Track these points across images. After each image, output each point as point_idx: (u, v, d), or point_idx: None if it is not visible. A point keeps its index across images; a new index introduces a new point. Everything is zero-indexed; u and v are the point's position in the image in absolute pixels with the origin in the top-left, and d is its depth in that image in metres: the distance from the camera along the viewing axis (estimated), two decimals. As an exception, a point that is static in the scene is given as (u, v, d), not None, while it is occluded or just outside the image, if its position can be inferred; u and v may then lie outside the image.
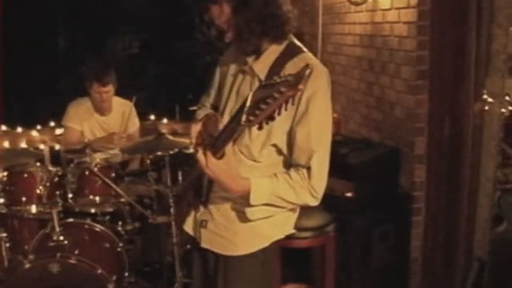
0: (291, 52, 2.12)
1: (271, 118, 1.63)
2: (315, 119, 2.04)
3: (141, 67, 10.77)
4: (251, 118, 1.63)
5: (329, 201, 2.26)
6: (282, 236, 2.29)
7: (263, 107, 1.59)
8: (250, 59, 2.16)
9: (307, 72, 1.56)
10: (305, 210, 2.33)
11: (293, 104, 1.61)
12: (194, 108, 4.65)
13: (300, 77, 1.56)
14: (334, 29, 4.99)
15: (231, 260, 2.26)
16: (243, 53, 2.17)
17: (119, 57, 10.75)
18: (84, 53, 10.78)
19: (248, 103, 1.65)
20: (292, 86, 1.56)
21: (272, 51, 2.12)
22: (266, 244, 2.25)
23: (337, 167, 2.24)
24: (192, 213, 2.38)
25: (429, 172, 3.64)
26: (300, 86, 1.56)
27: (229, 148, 1.91)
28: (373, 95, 4.22)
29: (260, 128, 1.67)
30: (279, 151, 2.15)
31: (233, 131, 1.78)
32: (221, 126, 2.07)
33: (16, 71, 10.63)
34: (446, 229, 3.65)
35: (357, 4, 4.28)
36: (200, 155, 1.91)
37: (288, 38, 2.15)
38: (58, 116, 4.76)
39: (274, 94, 1.57)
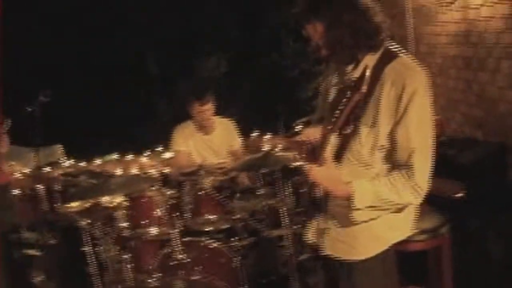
0: (387, 58, 2.18)
1: (347, 122, 1.74)
2: (414, 118, 2.09)
3: (231, 86, 10.97)
4: (330, 126, 1.77)
5: (440, 202, 2.28)
6: (400, 239, 2.35)
7: (336, 113, 1.72)
8: (348, 70, 2.24)
9: (367, 73, 1.62)
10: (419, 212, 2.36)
11: (365, 106, 1.72)
12: (298, 122, 4.76)
13: (361, 80, 1.62)
14: (425, 30, 4.95)
15: (354, 264, 2.34)
16: (341, 64, 2.27)
17: (208, 78, 10.98)
18: (176, 77, 11.09)
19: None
20: (355, 90, 1.66)
21: (370, 60, 2.18)
22: (385, 246, 2.32)
23: (447, 167, 2.26)
24: (314, 222, 2.49)
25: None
26: (362, 89, 1.62)
27: (328, 154, 2.04)
28: (473, 92, 4.16)
29: (341, 133, 1.79)
30: (388, 155, 2.20)
31: (325, 138, 1.92)
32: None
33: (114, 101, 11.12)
34: None
35: (446, 3, 4.24)
36: (307, 166, 2.05)
37: (384, 45, 2.21)
38: (161, 139, 4.96)
39: (343, 100, 1.69)
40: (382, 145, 2.17)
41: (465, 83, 4.27)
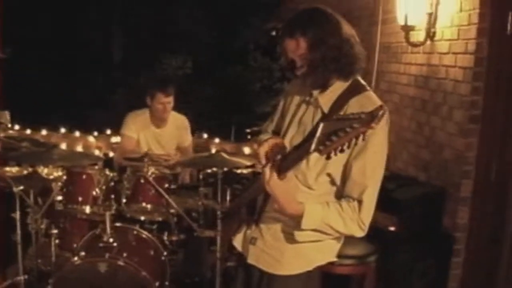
0: (355, 89, 2.20)
1: (341, 150, 1.69)
2: (371, 155, 2.11)
3: (192, 88, 10.97)
4: (321, 148, 1.71)
5: (373, 233, 2.32)
6: (324, 263, 2.37)
7: (334, 139, 1.66)
8: (315, 92, 2.26)
9: (381, 112, 1.61)
10: (349, 238, 2.39)
11: (363, 139, 1.67)
12: (248, 130, 4.78)
13: (374, 116, 1.62)
14: (389, 68, 5.06)
15: (275, 278, 2.33)
16: (311, 86, 2.26)
17: (172, 75, 10.95)
18: (138, 67, 11.03)
19: (318, 134, 1.72)
20: (365, 123, 1.63)
21: (338, 87, 2.21)
22: (310, 267, 2.33)
23: (383, 201, 2.30)
24: (243, 229, 2.48)
25: (472, 215, 3.67)
26: (373, 124, 1.62)
27: (291, 172, 2.01)
28: (423, 135, 4.27)
29: (328, 158, 1.73)
30: (333, 182, 2.22)
31: (300, 157, 1.87)
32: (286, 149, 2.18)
33: (72, 82, 11.00)
34: (486, 275, 3.64)
35: (415, 45, 4.35)
36: (266, 171, 2.00)
37: (354, 76, 2.24)
38: (111, 125, 4.92)
39: (347, 128, 1.63)
40: (329, 173, 2.19)
41: (418, 124, 4.37)
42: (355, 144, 1.67)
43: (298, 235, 2.22)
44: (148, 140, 4.69)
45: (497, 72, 3.52)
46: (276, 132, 2.52)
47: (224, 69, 11.28)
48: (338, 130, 1.64)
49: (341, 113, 2.12)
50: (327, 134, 1.68)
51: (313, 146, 1.72)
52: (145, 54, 11.42)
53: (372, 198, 2.17)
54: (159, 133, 4.73)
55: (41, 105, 9.76)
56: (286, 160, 1.96)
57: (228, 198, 3.50)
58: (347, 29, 2.18)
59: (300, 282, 2.32)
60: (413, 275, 3.63)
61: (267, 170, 1.99)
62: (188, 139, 4.88)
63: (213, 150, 3.96)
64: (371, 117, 1.62)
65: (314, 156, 2.01)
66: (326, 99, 2.22)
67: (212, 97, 10.91)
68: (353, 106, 2.13)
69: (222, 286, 3.51)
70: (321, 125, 1.73)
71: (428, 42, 4.16)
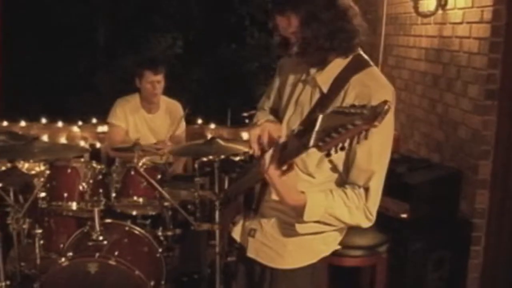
0: (356, 66, 2.19)
1: (342, 148, 1.67)
2: (377, 138, 2.07)
3: (184, 69, 10.94)
4: (320, 144, 1.68)
5: (383, 221, 2.34)
6: (329, 253, 2.39)
7: (334, 135, 1.63)
8: (313, 70, 2.26)
9: (385, 108, 1.59)
10: (358, 227, 2.43)
11: (366, 138, 1.64)
12: (245, 114, 4.80)
13: (377, 113, 1.59)
14: (397, 41, 5.08)
15: (278, 273, 2.36)
16: (307, 65, 2.27)
17: (161, 57, 10.91)
18: (125, 49, 10.99)
19: (317, 127, 1.70)
20: (367, 121, 1.60)
21: (337, 64, 2.20)
22: (314, 260, 2.35)
23: (393, 186, 2.32)
24: (242, 220, 2.50)
25: (492, 199, 3.70)
26: (376, 123, 1.59)
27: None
28: (436, 113, 4.30)
29: (328, 155, 1.71)
30: (335, 168, 2.23)
31: (298, 150, 1.85)
32: (282, 134, 2.19)
33: (52, 66, 10.96)
34: (508, 263, 3.68)
35: (425, 16, 4.37)
36: (266, 159, 1.99)
37: (355, 51, 2.22)
38: (97, 113, 4.93)
39: (348, 125, 1.61)
40: (331, 160, 2.18)
41: (430, 102, 4.40)
42: (357, 142, 1.65)
43: (299, 227, 2.23)
44: (139, 126, 4.72)
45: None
46: (274, 110, 2.53)
47: (218, 47, 11.25)
48: (338, 126, 1.62)
49: (340, 98, 2.14)
50: (327, 130, 1.66)
51: (311, 142, 1.70)
52: (131, 35, 11.38)
53: (379, 184, 2.17)
54: (151, 118, 4.76)
55: (19, 94, 9.75)
56: (285, 150, 1.95)
57: (226, 188, 3.54)
58: (344, 0, 2.16)
59: (305, 275, 2.34)
60: (428, 265, 3.68)
61: (267, 158, 1.99)
62: (181, 127, 4.91)
63: (209, 137, 3.97)
64: (374, 114, 1.59)
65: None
66: (325, 78, 2.21)
67: (205, 79, 10.90)
68: (355, 85, 2.13)
69: (222, 283, 3.56)
70: (320, 118, 1.71)
71: (440, 11, 4.18)
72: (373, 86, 2.12)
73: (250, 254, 2.43)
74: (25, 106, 8.27)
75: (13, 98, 8.76)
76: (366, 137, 1.63)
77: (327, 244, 2.36)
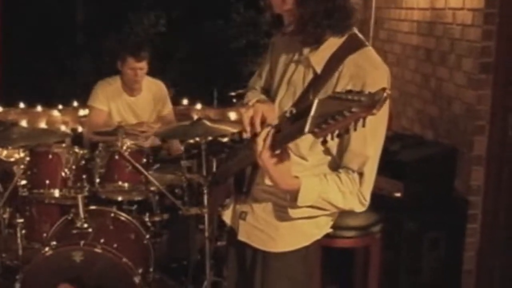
0: (351, 46, 2.18)
1: (338, 135, 1.69)
2: (372, 124, 1.99)
3: (168, 48, 10.86)
4: (316, 130, 1.69)
5: (376, 200, 2.36)
6: (321, 236, 2.40)
7: (331, 122, 1.64)
8: (306, 50, 2.24)
9: (384, 96, 1.59)
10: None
11: (363, 126, 1.65)
12: (233, 93, 4.80)
13: (375, 100, 1.60)
14: (388, 14, 5.08)
15: (270, 256, 2.37)
16: (302, 44, 2.25)
17: (143, 35, 10.83)
18: (104, 29, 10.90)
19: (312, 113, 1.70)
20: (365, 108, 1.60)
21: (332, 44, 2.19)
22: (307, 242, 2.37)
23: (386, 164, 2.33)
24: (232, 203, 2.51)
25: (488, 176, 3.73)
26: (375, 111, 1.60)
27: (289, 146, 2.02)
28: (429, 88, 4.32)
29: (324, 142, 1.72)
30: (327, 151, 2.24)
31: (293, 135, 1.85)
32: (275, 115, 2.20)
33: (29, 48, 10.84)
34: (505, 240, 3.73)
35: (416, -14, 4.37)
36: (259, 142, 1.98)
37: (351, 31, 2.21)
38: (78, 96, 4.91)
39: (345, 112, 1.61)
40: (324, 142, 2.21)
41: (423, 77, 4.41)
42: (354, 129, 1.66)
43: (292, 212, 2.25)
44: (121, 110, 4.71)
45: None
46: (266, 90, 2.54)
47: (203, 24, 11.18)
48: (335, 113, 1.62)
49: (334, 79, 2.13)
50: (323, 116, 1.66)
51: (307, 127, 1.70)
52: (111, 13, 11.28)
53: (374, 169, 2.19)
54: (134, 102, 4.75)
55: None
56: (279, 133, 1.95)
57: (214, 170, 3.55)
58: None
59: (298, 258, 2.36)
60: (424, 245, 3.71)
61: (260, 141, 1.98)
62: (167, 107, 4.90)
63: (195, 118, 3.97)
64: (372, 101, 1.59)
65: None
66: (319, 58, 2.20)
67: (190, 58, 10.82)
68: (349, 66, 2.13)
69: (213, 268, 3.58)
70: (316, 103, 1.71)
71: (431, -18, 4.19)
72: (367, 68, 2.12)
73: (241, 237, 2.44)
74: (1, 90, 8.21)
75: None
76: (363, 125, 1.64)
77: (319, 227, 2.38)
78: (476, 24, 3.69)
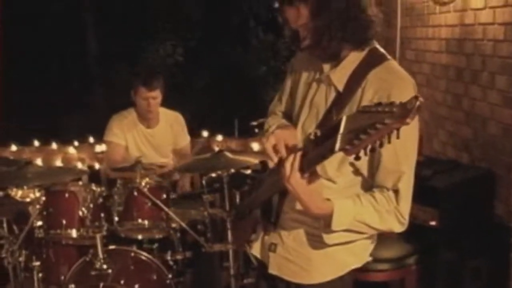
0: (373, 60, 2.21)
1: (372, 149, 1.69)
2: (402, 138, 1.95)
3: (186, 78, 10.95)
4: (348, 147, 1.70)
5: (411, 230, 2.35)
6: (360, 265, 2.40)
7: (362, 137, 1.65)
8: (326, 67, 2.28)
9: (416, 104, 1.59)
10: (383, 239, 2.43)
11: (398, 137, 1.66)
12: (254, 123, 4.82)
13: (408, 110, 1.60)
14: (415, 33, 5.09)
15: (305, 288, 2.38)
16: (319, 59, 2.29)
17: (160, 66, 10.95)
18: (119, 60, 11.02)
19: (341, 129, 1.72)
20: (399, 118, 1.61)
21: (352, 59, 2.23)
22: (342, 272, 2.36)
23: (419, 191, 2.32)
24: (260, 235, 2.52)
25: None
26: (408, 120, 1.60)
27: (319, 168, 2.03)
28: (461, 109, 4.30)
29: (357, 158, 1.72)
30: (357, 171, 2.25)
31: (323, 155, 1.86)
32: (297, 139, 2.22)
33: (41, 84, 10.98)
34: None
35: (443, 3, 4.38)
36: (286, 166, 2.00)
37: (370, 44, 2.25)
38: (94, 132, 4.95)
39: (377, 125, 1.62)
40: (352, 162, 2.19)
41: (454, 97, 4.40)
42: (388, 142, 1.66)
43: (327, 237, 2.24)
44: (138, 142, 4.76)
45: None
46: (287, 114, 2.56)
47: (222, 52, 11.27)
48: (367, 127, 1.63)
49: (358, 96, 2.15)
50: (354, 131, 1.67)
51: (337, 145, 1.72)
52: (125, 44, 11.41)
53: (409, 185, 2.19)
54: (150, 134, 4.80)
55: (6, 116, 9.79)
56: (306, 156, 1.96)
57: (237, 204, 3.55)
58: None
59: None
60: (463, 277, 3.66)
61: (288, 165, 2.00)
62: (185, 139, 4.95)
63: (216, 150, 3.99)
64: (405, 111, 1.60)
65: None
66: (340, 75, 2.23)
67: (210, 87, 10.91)
68: (373, 81, 2.15)
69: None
70: (344, 119, 1.72)
71: (459, -3, 4.20)
72: (392, 80, 2.15)
73: (272, 270, 2.45)
74: (15, 129, 8.32)
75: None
76: (398, 137, 1.65)
77: (356, 255, 2.37)
78: (508, 39, 3.68)
